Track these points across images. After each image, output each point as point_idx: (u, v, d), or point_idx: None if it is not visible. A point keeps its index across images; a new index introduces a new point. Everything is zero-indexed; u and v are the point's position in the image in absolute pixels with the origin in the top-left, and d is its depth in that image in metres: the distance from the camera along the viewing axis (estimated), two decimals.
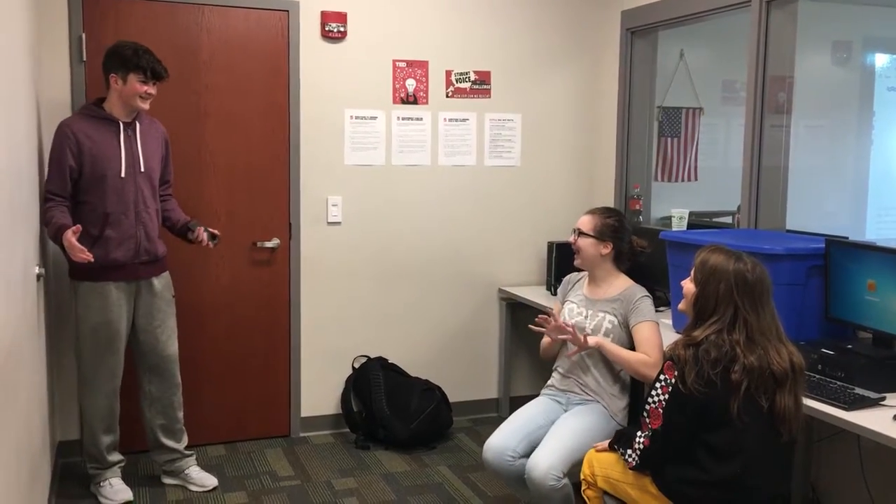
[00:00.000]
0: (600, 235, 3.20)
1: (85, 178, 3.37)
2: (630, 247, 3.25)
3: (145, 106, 3.47)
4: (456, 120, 4.53)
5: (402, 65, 4.41)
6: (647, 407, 2.43)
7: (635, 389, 3.26)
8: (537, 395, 3.36)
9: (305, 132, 4.25)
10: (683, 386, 2.32)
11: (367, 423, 4.30)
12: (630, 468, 2.54)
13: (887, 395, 2.57)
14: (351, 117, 4.33)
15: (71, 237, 3.10)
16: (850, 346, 2.85)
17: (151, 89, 3.45)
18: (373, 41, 4.33)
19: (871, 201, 4.82)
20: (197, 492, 3.70)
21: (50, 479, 3.46)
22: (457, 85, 4.52)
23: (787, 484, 2.50)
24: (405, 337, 4.57)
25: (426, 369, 4.56)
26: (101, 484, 3.58)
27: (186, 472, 3.75)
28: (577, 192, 4.81)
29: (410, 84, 4.42)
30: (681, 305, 2.56)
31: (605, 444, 2.72)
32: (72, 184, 3.35)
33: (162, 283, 3.62)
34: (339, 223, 4.36)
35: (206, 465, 3.88)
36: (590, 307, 3.24)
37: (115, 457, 3.62)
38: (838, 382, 2.66)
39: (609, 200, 4.65)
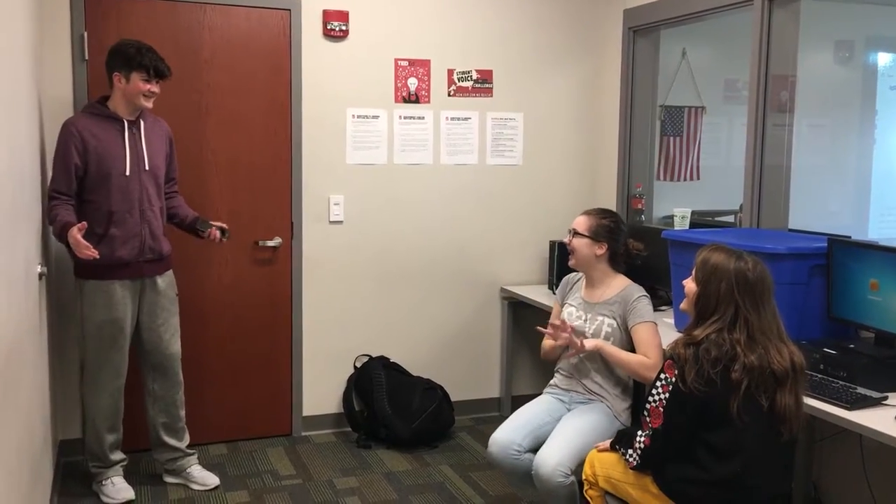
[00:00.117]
0: (595, 236, 3.18)
1: (90, 177, 3.38)
2: (626, 249, 3.23)
3: (149, 104, 3.48)
4: (458, 119, 4.53)
5: (404, 63, 4.41)
6: (648, 406, 2.43)
7: (637, 390, 3.25)
8: (539, 394, 3.36)
9: (307, 131, 4.25)
10: (683, 385, 2.32)
11: (369, 423, 4.30)
12: (631, 468, 2.54)
13: (889, 394, 2.57)
14: (353, 116, 4.32)
15: (76, 234, 3.11)
16: (852, 346, 2.85)
17: (155, 88, 3.45)
18: (375, 40, 4.33)
19: (874, 200, 4.82)
20: (198, 491, 3.70)
21: (52, 477, 3.46)
22: (459, 84, 4.52)
23: (788, 483, 2.50)
24: (407, 336, 4.57)
25: (428, 368, 4.56)
26: (103, 482, 3.59)
27: (188, 470, 3.75)
28: (580, 191, 4.81)
29: (412, 83, 4.42)
30: (683, 305, 2.56)
31: (607, 443, 2.72)
32: (77, 182, 3.36)
33: (166, 281, 3.62)
34: (340, 222, 4.36)
35: (207, 464, 3.88)
36: (588, 311, 3.23)
37: (118, 455, 3.63)
38: (840, 382, 2.65)
39: (611, 199, 4.65)
